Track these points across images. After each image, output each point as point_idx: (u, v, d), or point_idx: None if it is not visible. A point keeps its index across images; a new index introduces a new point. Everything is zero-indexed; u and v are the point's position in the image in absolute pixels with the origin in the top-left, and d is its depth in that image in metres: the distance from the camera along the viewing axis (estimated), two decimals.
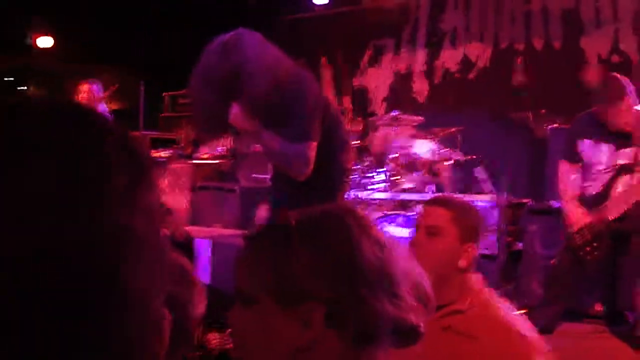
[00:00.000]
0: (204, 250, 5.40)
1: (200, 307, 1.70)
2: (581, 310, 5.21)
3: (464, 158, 6.60)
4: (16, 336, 0.53)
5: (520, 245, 6.01)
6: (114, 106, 9.11)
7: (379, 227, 1.22)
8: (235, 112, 3.25)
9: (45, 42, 10.95)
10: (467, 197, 5.77)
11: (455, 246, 2.10)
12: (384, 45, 9.82)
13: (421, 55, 9.49)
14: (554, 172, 5.12)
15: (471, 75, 9.04)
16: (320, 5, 9.81)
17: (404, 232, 5.59)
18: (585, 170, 4.86)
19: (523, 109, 7.91)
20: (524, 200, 6.55)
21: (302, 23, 10.26)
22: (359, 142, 7.14)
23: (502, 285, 5.50)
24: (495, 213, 6.01)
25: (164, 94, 9.96)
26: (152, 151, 8.35)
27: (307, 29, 10.18)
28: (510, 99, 8.43)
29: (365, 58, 9.99)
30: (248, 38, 3.23)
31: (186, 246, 3.03)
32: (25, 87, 11.89)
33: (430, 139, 6.69)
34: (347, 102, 9.79)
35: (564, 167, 4.90)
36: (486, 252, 5.73)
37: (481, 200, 6.07)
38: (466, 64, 9.08)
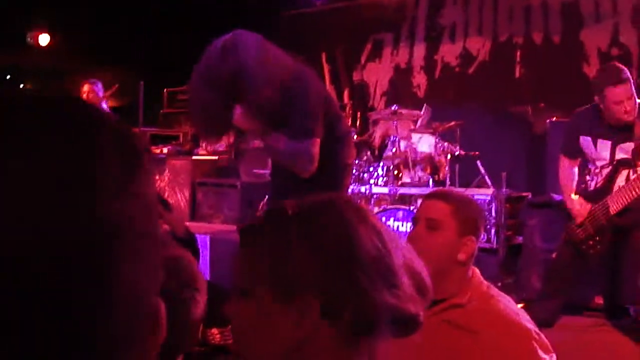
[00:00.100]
0: (202, 246, 5.41)
1: (202, 302, 1.70)
2: (581, 304, 5.22)
3: (464, 152, 6.61)
4: (16, 336, 0.53)
5: (520, 238, 6.02)
6: (114, 103, 9.11)
7: (376, 218, 1.22)
8: (239, 114, 3.26)
9: (44, 39, 10.95)
10: (466, 191, 5.78)
11: (455, 240, 2.10)
12: (383, 39, 9.81)
13: (420, 50, 9.48)
14: (554, 166, 5.12)
15: (470, 70, 9.04)
16: (320, 1, 9.80)
17: (404, 227, 5.59)
18: (586, 165, 4.86)
19: (522, 102, 7.91)
20: (524, 194, 6.56)
21: (302, 18, 10.25)
22: (358, 136, 7.14)
23: (502, 278, 5.51)
24: (495, 207, 6.02)
25: (165, 89, 9.95)
26: (152, 147, 8.36)
27: (307, 24, 10.17)
28: (510, 93, 8.43)
29: (365, 53, 9.99)
30: (247, 39, 3.22)
31: (188, 242, 3.03)
32: (24, 85, 11.88)
33: (430, 133, 6.70)
34: (346, 96, 9.79)
35: (564, 162, 4.90)
36: (486, 245, 5.74)
37: (481, 194, 6.08)
38: (466, 58, 9.07)
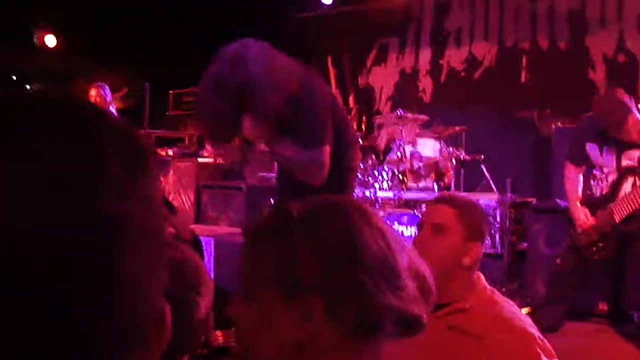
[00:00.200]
0: (207, 248, 5.42)
1: (208, 305, 1.70)
2: (585, 310, 5.21)
3: (469, 157, 6.60)
4: (16, 336, 0.53)
5: (524, 244, 6.01)
6: (120, 105, 9.13)
7: (381, 220, 1.22)
8: (248, 126, 3.26)
9: (50, 41, 10.98)
10: (471, 196, 5.77)
11: (460, 244, 2.10)
12: (389, 44, 9.81)
13: (426, 54, 9.48)
14: (559, 171, 5.12)
15: (476, 75, 9.03)
16: (326, 5, 9.80)
17: (409, 231, 5.59)
18: (592, 172, 4.86)
19: (528, 108, 7.90)
20: (529, 199, 6.55)
21: (308, 22, 10.25)
22: (363, 140, 7.14)
23: (507, 284, 5.50)
24: (500, 212, 6.02)
25: (170, 91, 9.96)
26: (157, 149, 8.37)
27: (313, 28, 10.17)
28: (516, 98, 8.42)
29: (371, 57, 9.99)
30: (256, 50, 3.21)
31: (193, 245, 3.03)
32: (29, 86, 11.90)
33: (435, 137, 6.70)
34: (352, 100, 9.80)
35: (569, 169, 4.90)
36: (490, 251, 5.74)
37: (486, 199, 6.07)
38: (471, 63, 9.07)
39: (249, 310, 1.16)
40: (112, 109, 7.35)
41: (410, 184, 6.49)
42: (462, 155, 6.58)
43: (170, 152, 8.58)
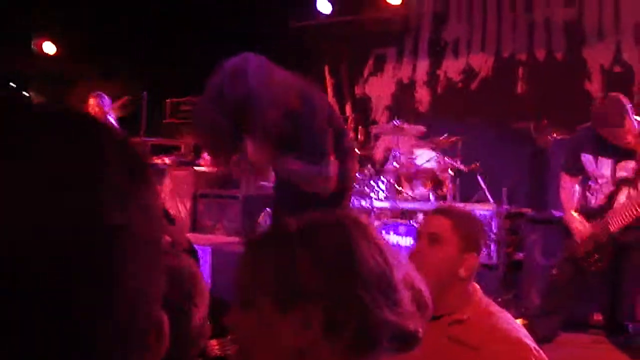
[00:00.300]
0: (203, 257, 5.40)
1: (204, 314, 1.70)
2: (581, 321, 5.21)
3: (466, 167, 6.61)
4: (16, 336, 0.53)
5: (520, 254, 6.01)
6: (117, 114, 9.13)
7: (379, 234, 1.23)
8: (251, 150, 3.28)
9: (49, 48, 10.98)
10: (467, 206, 5.78)
11: (456, 255, 2.11)
12: (386, 54, 9.83)
13: (423, 65, 9.50)
14: (555, 182, 5.13)
15: (473, 85, 9.05)
16: (325, 14, 9.81)
17: (405, 241, 5.59)
18: (587, 183, 4.87)
19: (525, 119, 7.92)
20: (524, 210, 6.55)
21: (306, 31, 10.26)
22: (360, 150, 7.14)
23: (502, 294, 5.50)
24: (495, 222, 6.02)
25: (167, 100, 9.96)
26: (154, 158, 8.36)
27: (311, 37, 10.19)
28: (512, 109, 8.44)
29: (368, 67, 10.01)
30: (255, 64, 3.22)
31: (189, 254, 3.03)
32: (28, 94, 11.89)
33: (432, 148, 6.71)
34: (349, 110, 9.81)
35: (565, 179, 4.92)
36: (486, 261, 5.74)
37: (482, 210, 6.08)
38: (468, 73, 9.09)
39: (248, 318, 1.16)
40: (111, 118, 7.35)
41: (406, 194, 6.49)
42: (459, 165, 6.59)
43: (167, 160, 8.57)
